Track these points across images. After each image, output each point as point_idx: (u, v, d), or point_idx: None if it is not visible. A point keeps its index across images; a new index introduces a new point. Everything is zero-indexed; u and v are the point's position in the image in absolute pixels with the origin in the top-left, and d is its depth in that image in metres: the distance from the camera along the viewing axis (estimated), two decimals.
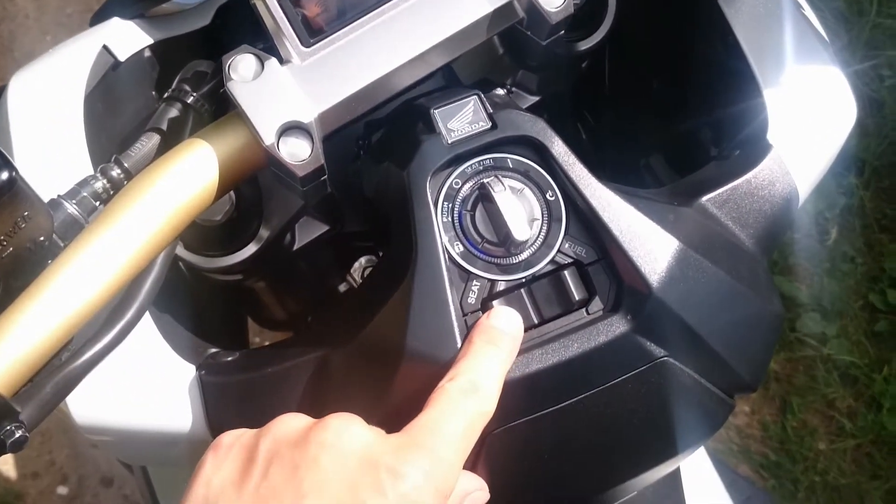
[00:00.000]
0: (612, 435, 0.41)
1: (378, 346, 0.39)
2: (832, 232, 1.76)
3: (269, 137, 0.38)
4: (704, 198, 0.44)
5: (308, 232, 0.54)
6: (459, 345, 0.38)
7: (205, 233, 0.47)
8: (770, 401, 1.65)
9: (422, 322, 0.38)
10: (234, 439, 0.34)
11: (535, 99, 0.57)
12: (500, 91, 0.48)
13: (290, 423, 0.34)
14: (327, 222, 0.54)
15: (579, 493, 0.43)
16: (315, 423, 0.33)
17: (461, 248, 0.40)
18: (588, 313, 0.40)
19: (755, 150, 0.47)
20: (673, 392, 0.41)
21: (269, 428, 0.34)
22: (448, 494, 0.33)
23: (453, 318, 0.38)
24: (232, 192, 0.48)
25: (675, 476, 0.66)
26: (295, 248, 0.54)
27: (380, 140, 0.47)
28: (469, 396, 0.35)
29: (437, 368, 0.37)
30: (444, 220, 0.40)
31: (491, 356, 0.37)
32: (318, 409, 0.41)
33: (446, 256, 0.39)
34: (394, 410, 0.39)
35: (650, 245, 0.40)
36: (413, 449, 0.33)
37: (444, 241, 0.40)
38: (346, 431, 0.33)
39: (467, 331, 0.38)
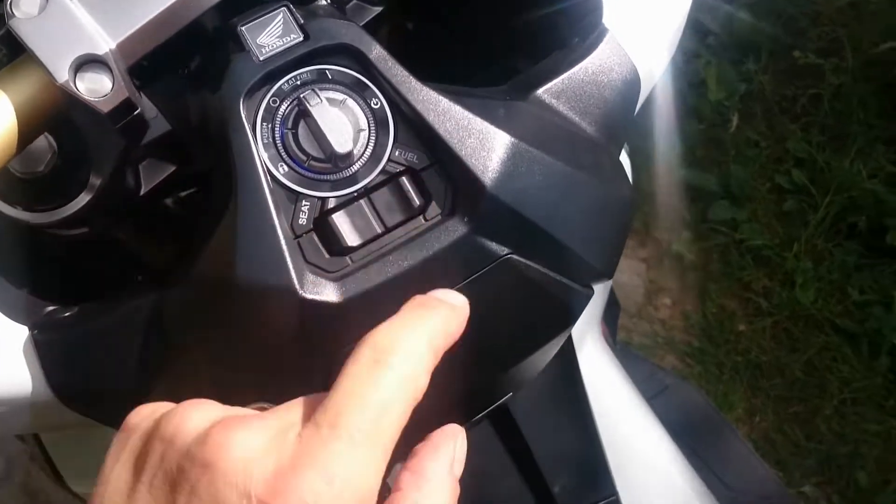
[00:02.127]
0: (469, 337, 0.40)
1: (209, 280, 0.38)
2: (734, 119, 1.79)
3: (62, 74, 0.36)
4: (540, 90, 0.43)
5: (154, 175, 0.51)
6: (291, 267, 0.36)
7: (30, 187, 0.45)
8: (689, 291, 1.69)
9: (249, 249, 0.36)
10: (139, 421, 0.31)
11: (378, 10, 0.55)
12: (323, 1, 0.46)
13: (188, 423, 0.30)
14: (173, 162, 0.52)
15: (446, 400, 0.43)
16: (204, 432, 0.29)
17: (286, 169, 0.38)
18: (426, 220, 0.39)
19: (592, 36, 0.46)
20: (522, 288, 0.40)
21: (169, 421, 0.30)
22: None
23: (282, 240, 0.37)
24: (52, 140, 0.45)
25: (574, 375, 0.67)
26: (143, 192, 0.51)
27: (197, 67, 0.44)
28: (382, 368, 0.29)
29: (271, 295, 0.36)
30: (265, 141, 0.38)
31: (419, 318, 0.32)
32: (159, 356, 0.40)
33: (269, 178, 0.38)
34: (235, 346, 0.38)
35: (480, 143, 0.39)
36: (300, 479, 0.27)
37: (267, 163, 0.38)
38: (227, 450, 0.27)
39: (300, 252, 0.37)
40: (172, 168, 0.52)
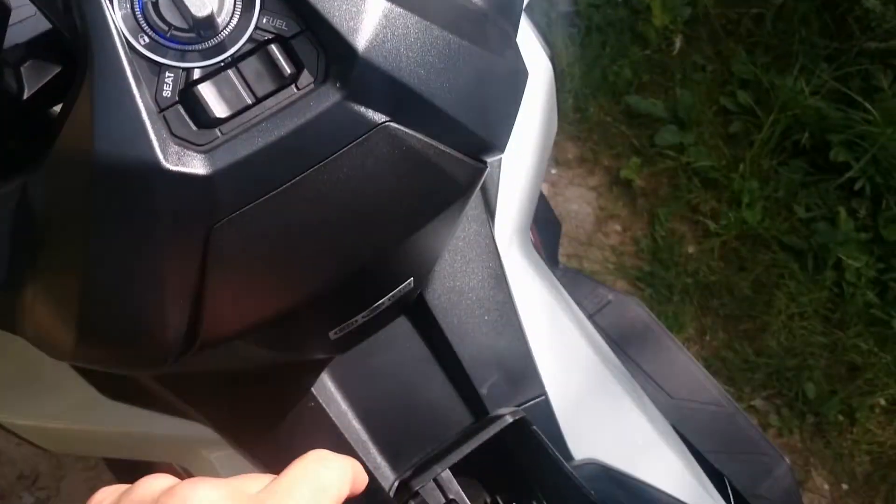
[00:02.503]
0: (349, 210, 0.39)
1: (69, 160, 0.36)
2: (677, 42, 1.78)
3: None
4: None
5: (38, 77, 0.49)
6: (154, 140, 0.35)
7: None
8: (639, 216, 1.70)
9: (108, 122, 0.35)
10: (103, 496, 0.34)
11: None
12: None
13: (154, 484, 0.33)
14: (57, 63, 0.50)
15: (341, 280, 0.42)
16: (170, 487, 0.32)
17: (146, 40, 0.37)
18: (298, 88, 0.38)
19: None
20: (403, 158, 0.39)
21: (134, 489, 0.33)
22: None
23: (143, 113, 0.35)
24: None
25: (499, 277, 0.66)
26: (26, 96, 0.49)
27: None
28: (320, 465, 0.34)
29: (134, 169, 0.35)
30: (123, 12, 0.37)
31: (310, 474, 0.34)
32: (30, 244, 0.39)
33: (127, 50, 0.36)
34: (103, 225, 0.37)
35: (350, 6, 0.37)
36: None
37: (125, 34, 0.36)
38: (192, 499, 0.31)
39: (165, 125, 0.36)
40: (57, 69, 0.50)
